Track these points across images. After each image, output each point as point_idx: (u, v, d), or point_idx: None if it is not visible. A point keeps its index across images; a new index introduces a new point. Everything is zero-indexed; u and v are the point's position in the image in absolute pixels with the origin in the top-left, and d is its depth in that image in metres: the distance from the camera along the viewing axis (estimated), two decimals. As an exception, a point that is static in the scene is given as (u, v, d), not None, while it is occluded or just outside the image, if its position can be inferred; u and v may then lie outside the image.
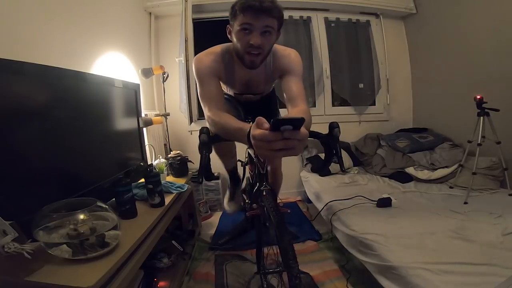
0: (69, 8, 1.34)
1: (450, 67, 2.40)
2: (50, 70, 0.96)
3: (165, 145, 2.34)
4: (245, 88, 1.17)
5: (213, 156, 0.88)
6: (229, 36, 1.01)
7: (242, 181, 1.69)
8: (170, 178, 1.75)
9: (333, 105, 2.90)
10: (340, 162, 0.83)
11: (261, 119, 0.54)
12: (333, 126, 0.80)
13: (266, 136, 0.51)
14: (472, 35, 2.14)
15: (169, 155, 1.85)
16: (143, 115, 1.79)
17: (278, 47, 1.06)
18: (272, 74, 1.09)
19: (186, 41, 2.17)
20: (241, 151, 1.57)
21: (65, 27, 1.31)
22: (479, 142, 1.74)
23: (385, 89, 2.88)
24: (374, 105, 2.95)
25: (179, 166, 1.80)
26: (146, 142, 1.93)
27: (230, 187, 1.73)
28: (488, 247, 1.12)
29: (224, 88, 1.24)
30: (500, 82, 1.92)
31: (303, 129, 0.51)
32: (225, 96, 1.25)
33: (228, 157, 1.56)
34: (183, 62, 2.20)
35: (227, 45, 1.05)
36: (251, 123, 0.70)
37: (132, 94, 1.61)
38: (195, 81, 1.01)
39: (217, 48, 1.05)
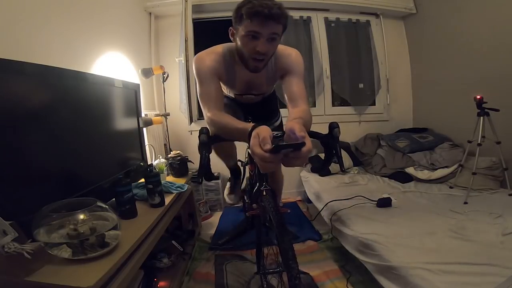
0: (69, 8, 1.34)
1: (450, 67, 2.40)
2: (50, 70, 0.96)
3: (165, 145, 2.34)
4: (246, 88, 1.16)
5: (213, 156, 0.88)
6: (231, 38, 1.00)
7: (243, 176, 1.69)
8: (170, 178, 1.75)
9: (333, 105, 2.90)
10: (340, 162, 0.83)
11: (265, 138, 0.55)
12: (333, 126, 0.80)
13: (266, 158, 0.54)
14: (472, 35, 2.14)
15: (169, 155, 1.85)
16: (143, 115, 1.79)
17: (279, 47, 1.05)
18: (274, 74, 1.09)
19: (186, 41, 2.17)
20: (241, 151, 1.57)
21: (65, 27, 1.31)
22: (479, 142, 1.73)
23: (385, 89, 2.88)
24: (374, 105, 2.95)
25: (179, 166, 1.80)
26: (146, 142, 1.93)
27: (230, 180, 1.73)
28: (488, 247, 1.11)
29: (224, 89, 1.23)
30: (500, 82, 1.92)
31: (304, 148, 0.53)
32: (225, 97, 1.25)
33: (228, 157, 1.56)
34: (183, 62, 2.20)
35: (229, 45, 1.04)
36: (251, 123, 0.70)
37: (132, 94, 1.61)
38: (195, 80, 1.01)
39: (219, 48, 1.04)
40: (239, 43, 0.94)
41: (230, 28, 0.98)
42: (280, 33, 0.91)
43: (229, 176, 1.74)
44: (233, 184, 1.73)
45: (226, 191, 1.76)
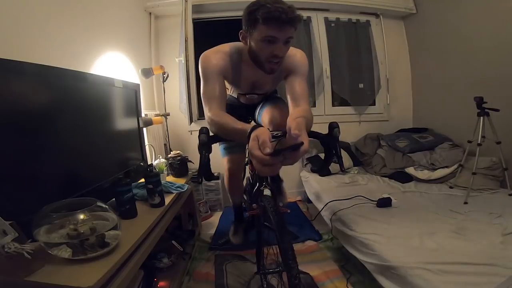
0: (69, 8, 1.34)
1: (450, 67, 2.40)
2: (50, 70, 0.96)
3: (165, 145, 2.34)
4: (250, 88, 1.17)
5: (213, 156, 0.88)
6: (242, 41, 0.98)
7: (244, 176, 1.71)
8: (170, 178, 1.75)
9: (333, 105, 2.90)
10: (340, 162, 0.83)
11: (265, 141, 0.56)
12: (333, 126, 0.80)
13: (266, 161, 0.54)
14: (472, 35, 2.14)
15: (169, 155, 1.85)
16: (143, 115, 1.79)
17: None
18: (279, 74, 1.08)
19: (186, 41, 2.17)
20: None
21: (65, 27, 1.31)
22: (479, 142, 1.74)
23: (385, 89, 2.88)
24: (374, 105, 2.95)
25: (179, 166, 1.80)
26: (146, 142, 1.93)
27: (234, 223, 1.81)
28: (488, 247, 1.12)
29: (228, 88, 1.23)
30: (500, 82, 1.92)
31: (301, 148, 0.54)
32: (227, 96, 1.25)
33: (238, 188, 1.64)
34: (183, 62, 2.20)
35: (236, 45, 1.03)
36: (251, 122, 0.70)
37: (132, 94, 1.61)
38: (197, 79, 1.01)
39: (226, 47, 1.03)
40: (253, 46, 0.93)
41: (241, 31, 0.96)
42: (293, 35, 0.92)
43: (233, 219, 1.82)
44: (236, 227, 1.80)
45: (230, 232, 1.81)
